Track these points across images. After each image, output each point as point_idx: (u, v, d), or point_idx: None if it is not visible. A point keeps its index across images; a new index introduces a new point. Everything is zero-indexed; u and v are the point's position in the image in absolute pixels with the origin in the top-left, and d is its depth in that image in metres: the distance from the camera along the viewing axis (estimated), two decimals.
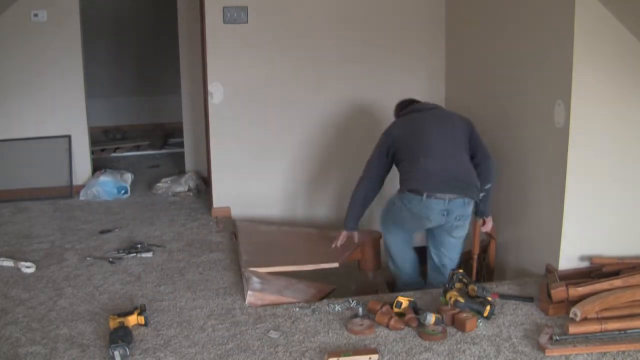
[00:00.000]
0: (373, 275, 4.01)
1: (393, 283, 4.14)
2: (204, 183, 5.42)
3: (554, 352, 2.73)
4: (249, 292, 3.29)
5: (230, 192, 4.77)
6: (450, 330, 2.94)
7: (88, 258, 3.89)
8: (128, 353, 2.72)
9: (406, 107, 3.91)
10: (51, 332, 2.98)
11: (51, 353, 2.80)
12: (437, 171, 3.53)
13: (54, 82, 5.15)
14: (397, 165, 3.73)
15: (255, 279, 3.43)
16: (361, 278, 4.03)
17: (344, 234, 3.81)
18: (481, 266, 3.98)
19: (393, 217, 3.77)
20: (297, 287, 3.47)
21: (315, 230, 4.30)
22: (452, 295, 3.09)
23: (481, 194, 3.63)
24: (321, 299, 3.37)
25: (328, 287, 3.55)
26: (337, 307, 3.18)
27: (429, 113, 3.82)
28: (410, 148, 3.65)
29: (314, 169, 4.86)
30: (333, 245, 3.80)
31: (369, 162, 3.78)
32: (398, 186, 3.67)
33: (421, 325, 2.95)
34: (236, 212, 4.76)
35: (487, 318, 3.02)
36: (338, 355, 2.71)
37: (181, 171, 5.77)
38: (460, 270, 3.26)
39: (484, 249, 3.95)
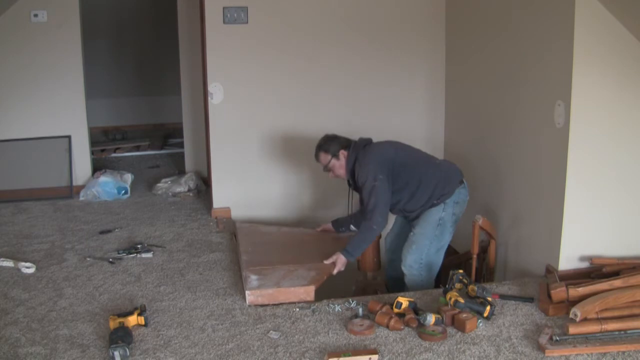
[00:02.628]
0: (373, 276, 4.01)
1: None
2: (204, 183, 5.43)
3: (554, 352, 2.73)
4: (247, 292, 3.28)
5: (231, 193, 4.78)
6: (450, 330, 2.94)
7: (88, 258, 3.89)
8: (128, 353, 2.72)
9: (354, 143, 3.78)
10: (51, 333, 2.98)
11: (51, 353, 2.79)
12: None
13: (54, 82, 5.15)
14: (405, 186, 3.68)
15: (252, 277, 3.42)
16: (361, 279, 4.03)
17: (343, 261, 3.57)
18: (481, 266, 3.98)
19: (442, 232, 3.71)
20: (297, 274, 3.44)
21: (315, 231, 4.31)
22: (452, 295, 3.09)
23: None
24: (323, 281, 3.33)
25: (330, 267, 3.51)
26: (337, 308, 3.18)
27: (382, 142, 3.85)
28: (414, 164, 3.73)
29: (314, 170, 4.86)
30: (326, 262, 3.57)
31: (382, 199, 3.56)
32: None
33: (421, 325, 2.95)
34: (236, 212, 4.76)
35: (487, 318, 3.02)
36: (338, 355, 2.71)
37: (181, 171, 5.77)
38: (460, 271, 3.26)
39: (484, 250, 3.94)
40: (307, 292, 3.31)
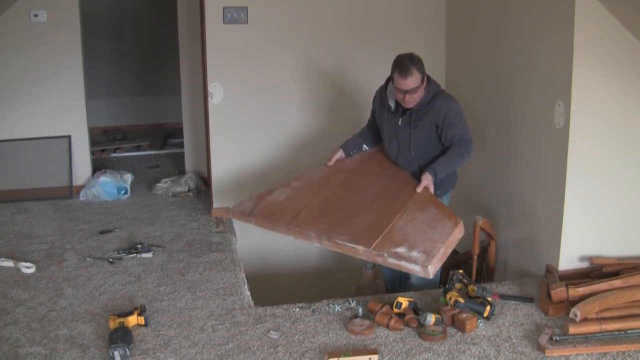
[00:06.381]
0: (373, 276, 4.01)
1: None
2: (204, 183, 5.42)
3: (554, 352, 2.74)
4: (429, 267, 2.87)
5: (230, 193, 4.77)
6: (450, 330, 2.94)
7: (88, 258, 3.89)
8: (128, 353, 2.72)
9: (431, 78, 3.59)
10: (51, 333, 2.98)
11: (51, 353, 2.80)
12: None
13: (54, 82, 5.14)
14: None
15: (402, 250, 2.98)
16: (362, 279, 4.03)
17: (430, 180, 3.40)
18: (481, 266, 3.98)
19: None
20: (421, 220, 3.15)
21: (330, 167, 3.80)
22: (452, 295, 3.09)
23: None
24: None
25: (428, 192, 3.36)
26: (337, 308, 3.19)
27: None
28: None
29: (314, 169, 4.85)
30: (419, 189, 3.37)
31: (468, 131, 3.54)
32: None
33: (421, 325, 2.95)
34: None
35: (487, 318, 3.02)
36: (338, 355, 2.71)
37: (181, 171, 5.77)
38: (461, 271, 3.26)
39: (484, 250, 3.94)
40: (460, 229, 3.13)
